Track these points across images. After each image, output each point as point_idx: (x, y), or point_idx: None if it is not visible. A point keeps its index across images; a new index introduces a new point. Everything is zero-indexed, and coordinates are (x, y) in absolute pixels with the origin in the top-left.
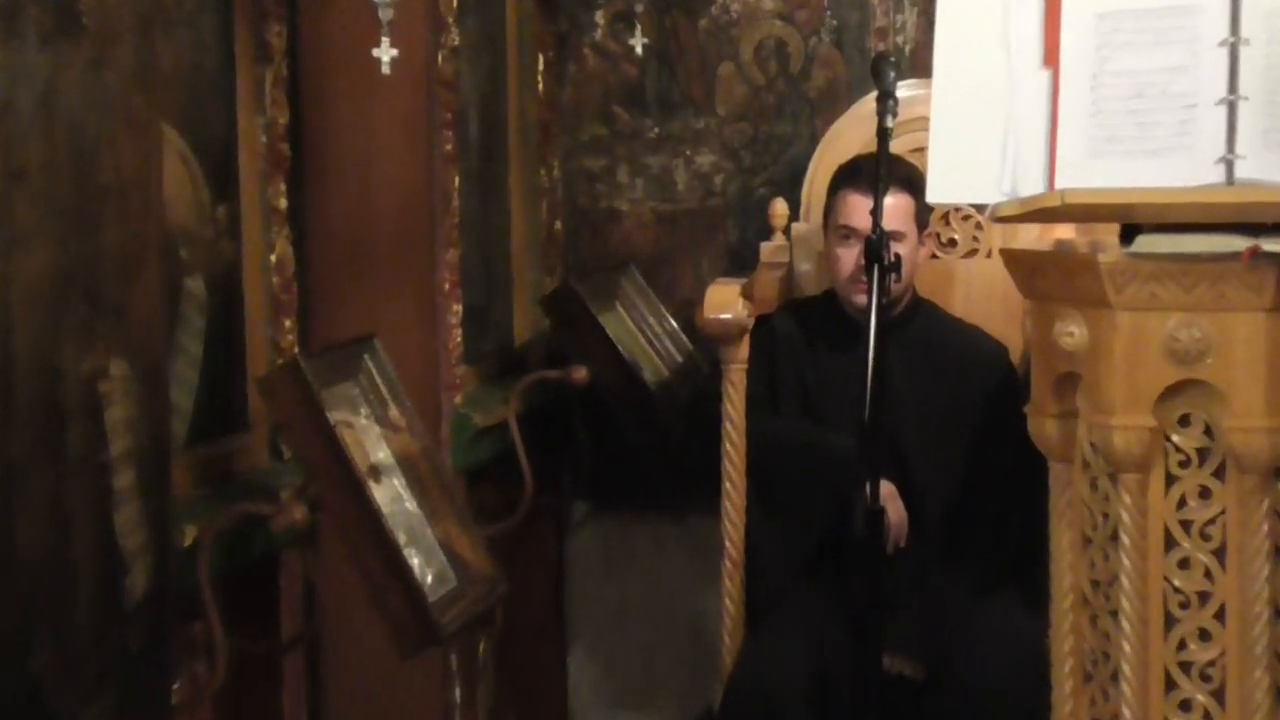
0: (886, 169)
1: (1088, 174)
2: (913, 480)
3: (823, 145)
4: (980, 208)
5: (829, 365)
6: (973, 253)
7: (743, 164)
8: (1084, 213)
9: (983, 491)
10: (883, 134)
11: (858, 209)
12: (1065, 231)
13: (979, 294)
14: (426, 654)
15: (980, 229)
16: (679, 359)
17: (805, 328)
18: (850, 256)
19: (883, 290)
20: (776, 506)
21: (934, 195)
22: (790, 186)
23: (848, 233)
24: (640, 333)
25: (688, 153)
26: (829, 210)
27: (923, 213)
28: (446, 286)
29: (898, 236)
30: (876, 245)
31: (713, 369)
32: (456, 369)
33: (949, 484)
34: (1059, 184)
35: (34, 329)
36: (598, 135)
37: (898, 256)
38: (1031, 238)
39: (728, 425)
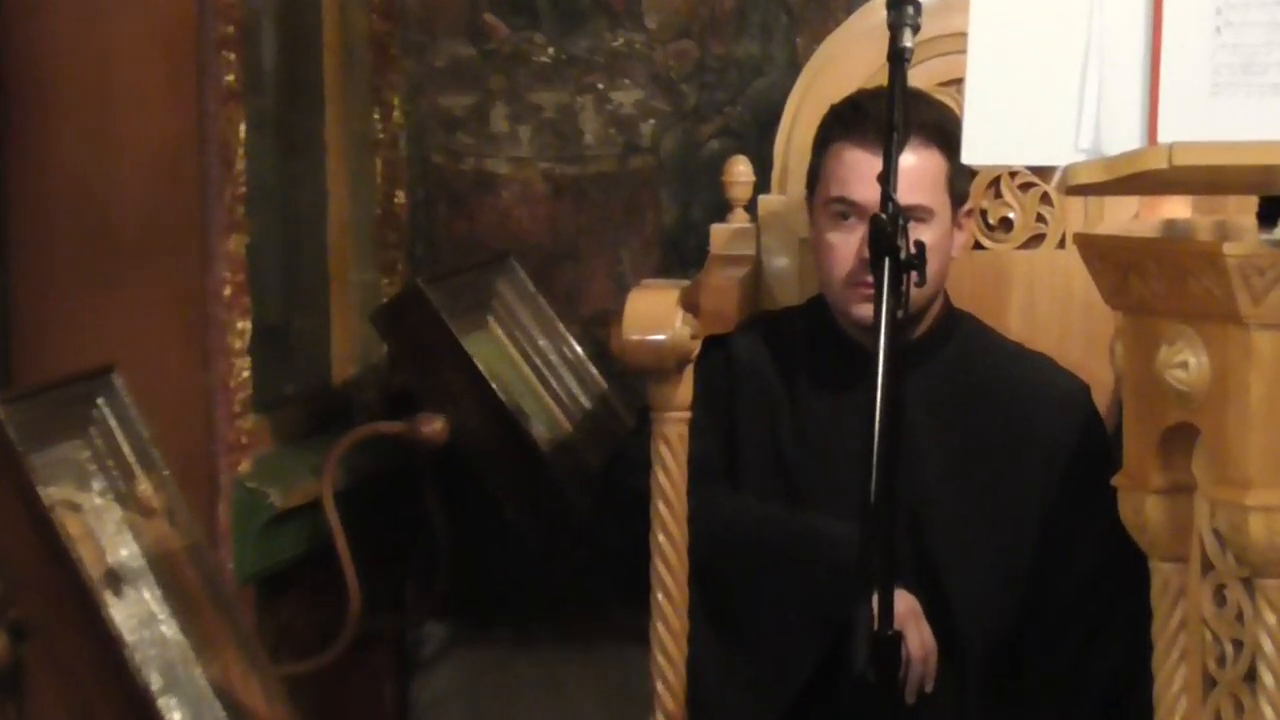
0: (904, 111)
1: (1208, 120)
2: (945, 589)
3: (807, 75)
4: (1046, 172)
5: (817, 412)
6: (1036, 240)
7: (684, 104)
8: (1203, 178)
9: (1050, 607)
10: (898, 58)
11: (860, 173)
12: (1176, 208)
13: (1046, 303)
14: None
15: (1048, 204)
16: (586, 404)
17: (781, 356)
18: (849, 246)
19: (898, 298)
20: (736, 630)
21: (972, 154)
22: (758, 138)
23: (845, 209)
24: (526, 363)
25: (600, 86)
26: (817, 175)
27: (959, 179)
28: (226, 293)
29: (922, 215)
30: (888, 228)
31: (639, 419)
32: (242, 420)
33: (999, 596)
34: (1164, 135)
35: None
36: (461, 59)
37: (921, 246)
38: (1125, 218)
39: (660, 505)
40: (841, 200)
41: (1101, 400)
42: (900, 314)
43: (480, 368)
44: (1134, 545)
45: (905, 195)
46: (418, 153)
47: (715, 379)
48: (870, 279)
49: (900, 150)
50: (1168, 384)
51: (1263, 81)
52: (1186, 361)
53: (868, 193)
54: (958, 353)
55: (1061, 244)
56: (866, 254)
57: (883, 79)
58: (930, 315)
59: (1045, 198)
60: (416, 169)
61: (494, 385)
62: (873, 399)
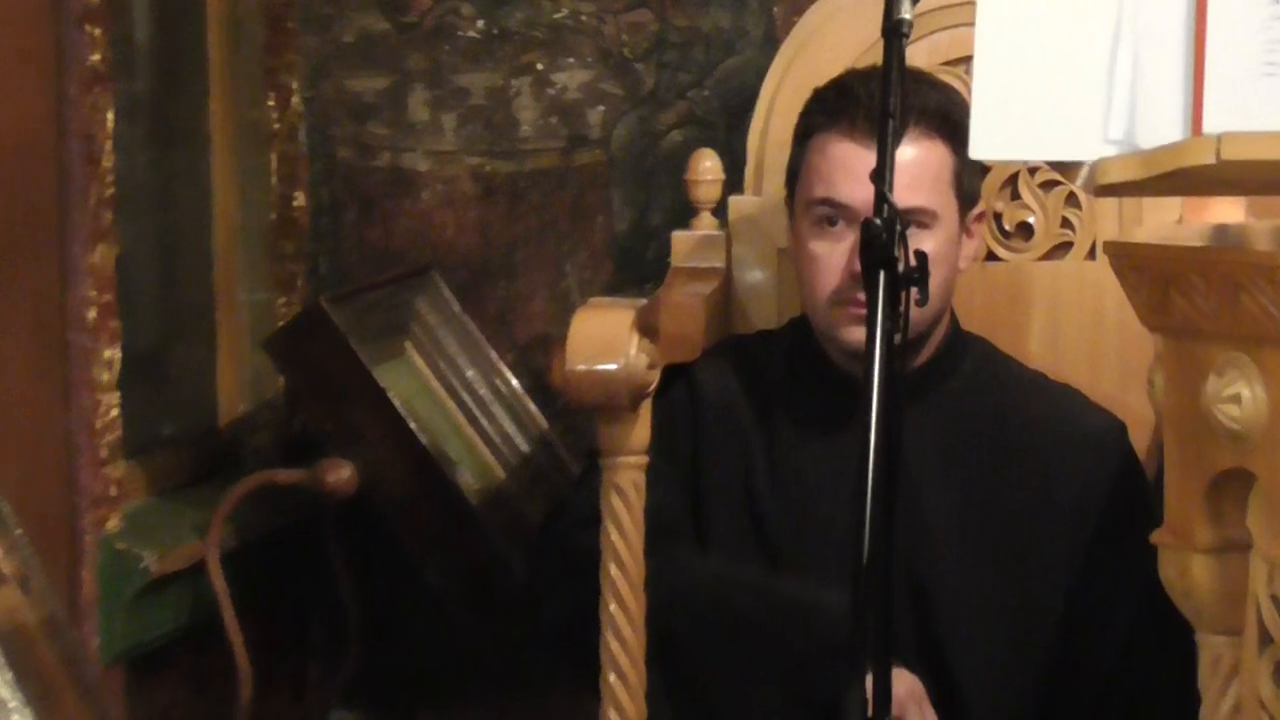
0: (901, 95)
1: (1263, 106)
2: (953, 668)
3: (787, 52)
4: (1071, 170)
5: (798, 457)
6: (1061, 249)
7: (640, 87)
8: (1258, 175)
9: (1078, 690)
10: (895, 32)
11: (850, 170)
12: (1227, 210)
13: (1074, 325)
14: None
15: (1075, 207)
16: (523, 447)
17: (755, 389)
18: (836, 257)
19: (895, 319)
20: (705, 715)
21: (983, 148)
22: (728, 128)
23: (832, 212)
24: (451, 398)
25: (539, 66)
26: (798, 172)
27: (968, 177)
28: (91, 315)
29: (924, 219)
30: (883, 236)
31: (586, 465)
32: (109, 468)
33: (1017, 676)
34: (1211, 124)
35: None
36: (372, 34)
37: (922, 256)
38: (1166, 223)
39: (612, 568)
40: (827, 202)
41: (1140, 441)
42: (898, 338)
43: (396, 404)
44: (1178, 615)
45: (904, 196)
46: (321, 146)
47: (677, 417)
48: (862, 296)
49: (897, 142)
50: (1217, 421)
51: None
52: (1240, 395)
53: (858, 193)
54: (967, 385)
55: (1091, 254)
56: (857, 267)
57: (876, 57)
58: (934, 340)
59: (1071, 199)
60: (319, 166)
61: (412, 425)
62: (865, 441)
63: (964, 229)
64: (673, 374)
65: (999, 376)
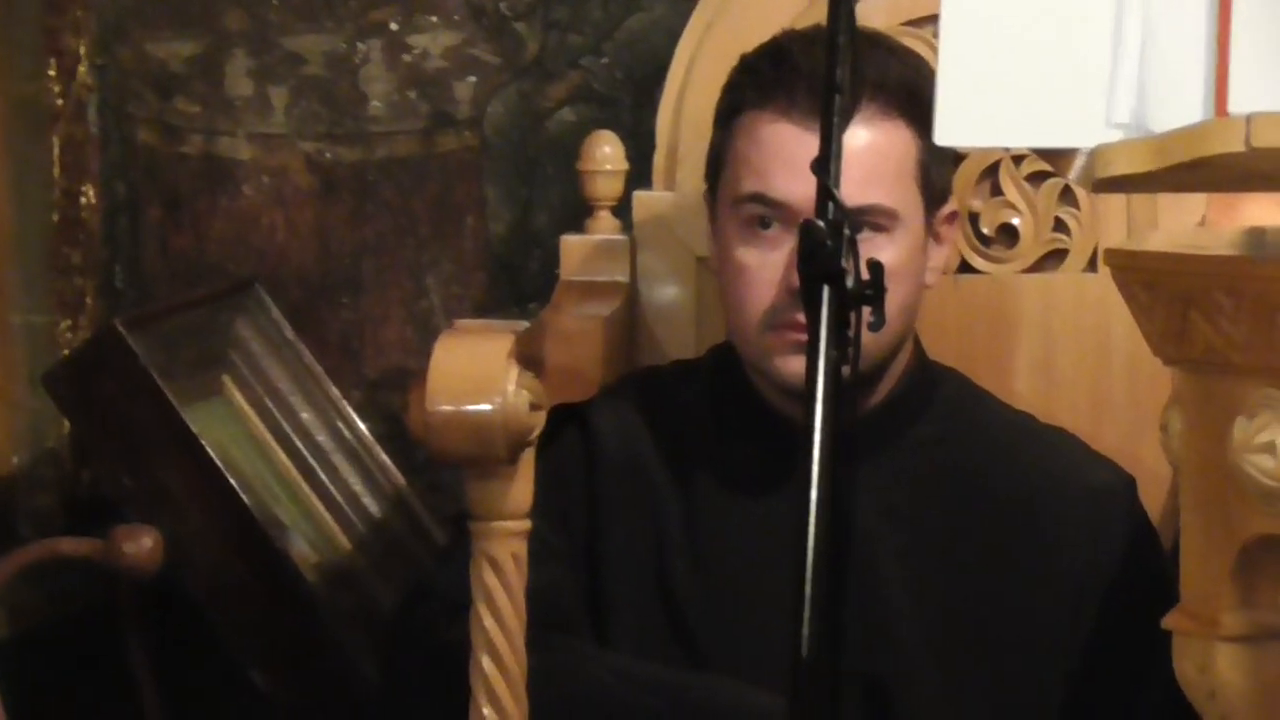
0: (851, 65)
1: None
2: None
3: (706, 11)
4: (1064, 159)
5: (724, 522)
6: (1054, 258)
7: (521, 54)
8: None
9: None
10: None
11: (786, 158)
12: (1262, 211)
13: (1071, 355)
14: None
15: (1071, 205)
16: (373, 510)
17: (668, 435)
18: (770, 268)
19: (845, 347)
20: None
21: (950, 132)
22: (633, 106)
23: (764, 212)
24: (282, 447)
25: (393, 26)
26: (722, 161)
27: (937, 168)
28: None
29: (881, 221)
30: (827, 241)
31: (453, 534)
32: None
33: None
34: (1239, 104)
35: None
36: None
37: (877, 268)
38: (1186, 227)
39: (485, 662)
40: (759, 199)
41: (1153, 501)
42: (847, 371)
43: (211, 455)
44: (1198, 717)
45: (855, 191)
46: (115, 128)
47: (568, 473)
48: (802, 318)
49: (846, 123)
50: (1248, 476)
51: None
52: (1275, 443)
53: (797, 187)
54: (935, 432)
55: (1092, 265)
56: (796, 280)
57: (819, 15)
58: (892, 374)
59: (1067, 195)
60: (113, 153)
61: (232, 481)
62: (805, 502)
63: (931, 233)
64: (562, 418)
65: (976, 420)
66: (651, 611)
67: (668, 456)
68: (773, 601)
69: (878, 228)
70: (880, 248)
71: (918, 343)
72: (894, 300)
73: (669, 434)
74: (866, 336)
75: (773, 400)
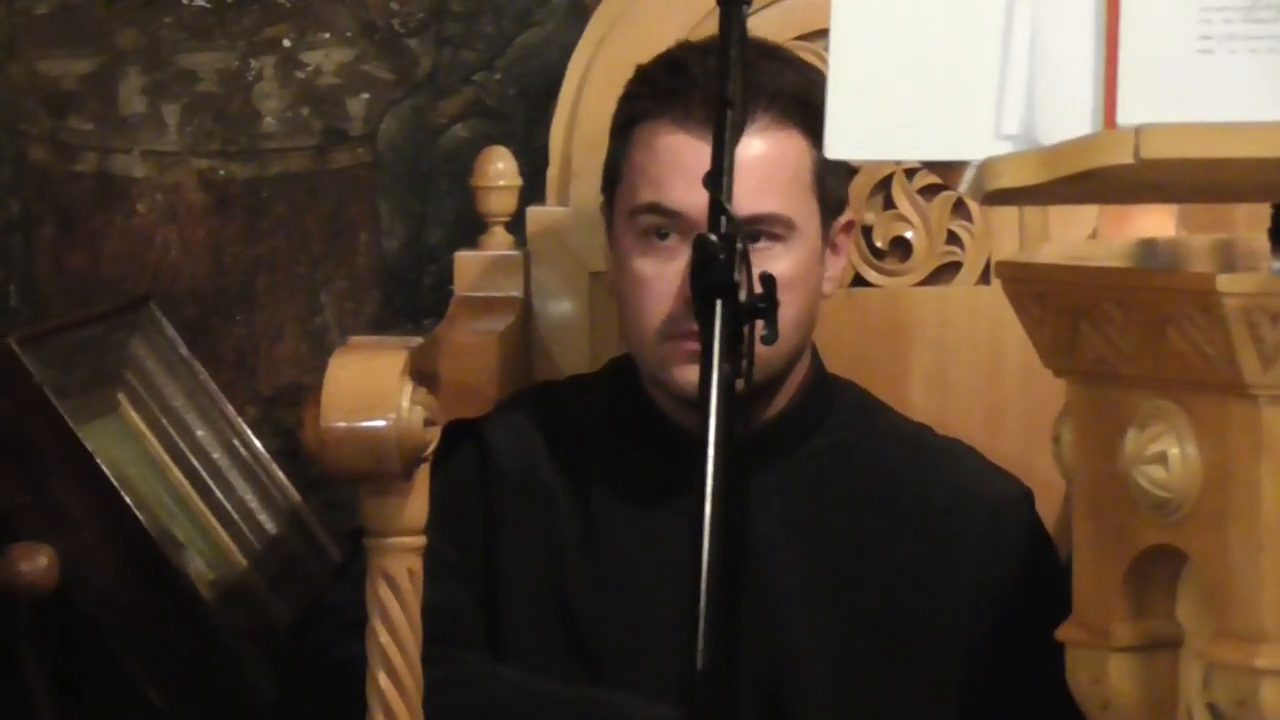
0: (744, 77)
1: (1194, 91)
2: None
3: (599, 25)
4: (954, 171)
5: (621, 536)
6: (948, 271)
7: (414, 70)
8: (1188, 177)
9: None
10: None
11: (682, 168)
12: (1154, 222)
13: (965, 367)
14: None
15: (965, 219)
16: (270, 527)
17: (566, 451)
18: (666, 280)
19: (737, 360)
20: None
21: (840, 145)
22: (526, 122)
23: (661, 222)
24: (177, 465)
25: (286, 43)
26: (618, 173)
27: (833, 178)
28: None
29: (778, 230)
30: (720, 254)
31: (350, 551)
32: None
33: None
34: (1128, 114)
35: None
36: (73, 3)
37: (770, 282)
38: (1077, 238)
39: (381, 678)
40: (655, 209)
41: (1049, 513)
42: (741, 384)
43: (107, 473)
44: None
45: (751, 201)
46: (8, 147)
47: (463, 489)
48: (697, 328)
49: (739, 135)
50: (1139, 487)
51: (1276, 33)
52: (1166, 453)
53: (693, 197)
54: (833, 444)
55: (986, 277)
56: (690, 294)
57: (710, 31)
58: (789, 386)
59: (960, 208)
60: (7, 171)
61: (127, 499)
62: (699, 515)
63: (828, 243)
64: (458, 434)
65: (874, 431)
66: (548, 625)
67: (564, 470)
68: (670, 613)
69: (774, 237)
70: (776, 257)
71: (815, 354)
72: (790, 310)
73: (565, 447)
74: (762, 348)
75: (668, 411)
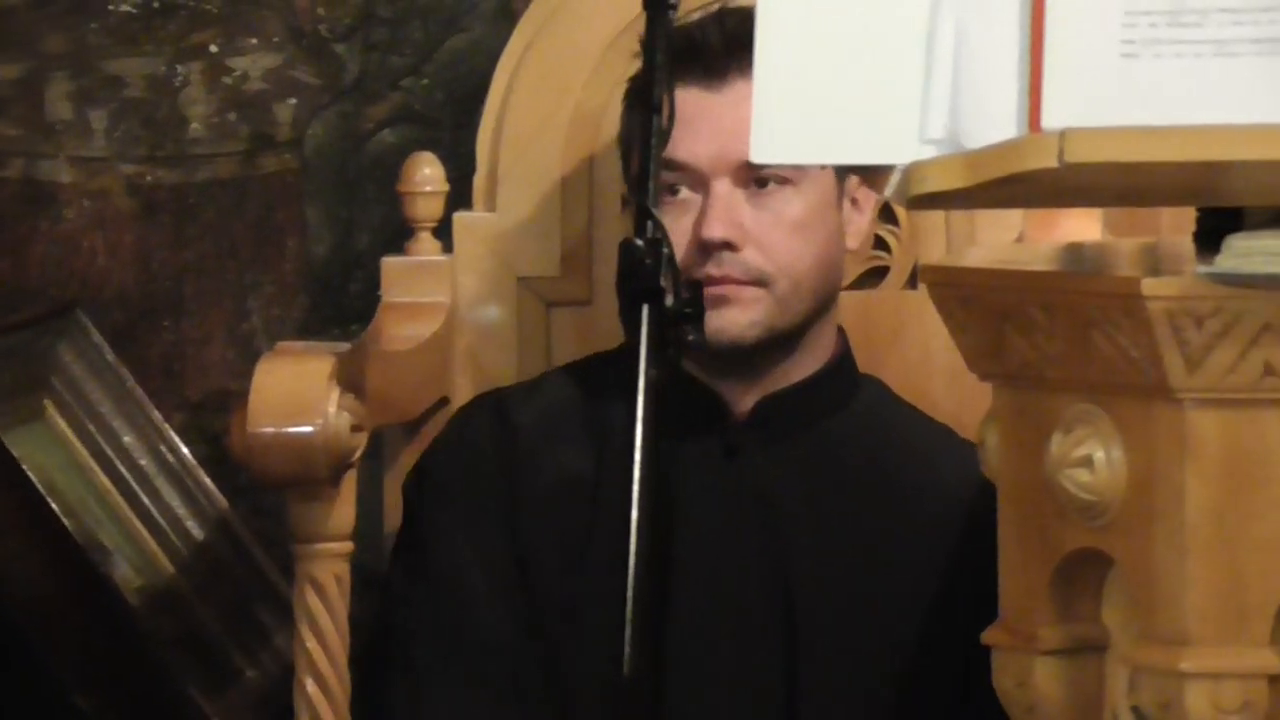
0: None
1: (1118, 95)
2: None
3: (526, 29)
4: (879, 176)
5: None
6: (874, 276)
7: (342, 75)
8: (1112, 181)
9: None
10: (660, 2)
11: (691, 120)
12: (1079, 226)
13: (893, 370)
14: None
15: (892, 223)
16: (198, 533)
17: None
18: (680, 231)
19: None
20: None
21: (765, 150)
22: (453, 126)
23: (672, 177)
24: (104, 471)
25: (213, 49)
26: (631, 136)
27: None
28: None
29: (783, 171)
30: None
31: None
32: None
33: None
34: (1052, 118)
35: None
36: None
37: (696, 288)
38: (1003, 242)
39: (307, 683)
40: (667, 164)
41: None
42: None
43: (33, 479)
44: None
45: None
46: None
47: (481, 458)
48: (716, 272)
49: (664, 144)
50: (1064, 491)
51: (1200, 37)
52: (1092, 457)
53: (700, 148)
54: (855, 427)
55: (912, 282)
56: (706, 234)
57: (635, 39)
58: (814, 349)
59: (886, 213)
60: None
61: (54, 505)
62: (627, 514)
63: (845, 195)
64: (478, 406)
65: (895, 424)
66: (573, 594)
67: (590, 439)
68: (699, 578)
69: (782, 180)
70: (788, 200)
71: (844, 336)
72: (807, 252)
73: (589, 419)
74: (768, 303)
75: (696, 374)
